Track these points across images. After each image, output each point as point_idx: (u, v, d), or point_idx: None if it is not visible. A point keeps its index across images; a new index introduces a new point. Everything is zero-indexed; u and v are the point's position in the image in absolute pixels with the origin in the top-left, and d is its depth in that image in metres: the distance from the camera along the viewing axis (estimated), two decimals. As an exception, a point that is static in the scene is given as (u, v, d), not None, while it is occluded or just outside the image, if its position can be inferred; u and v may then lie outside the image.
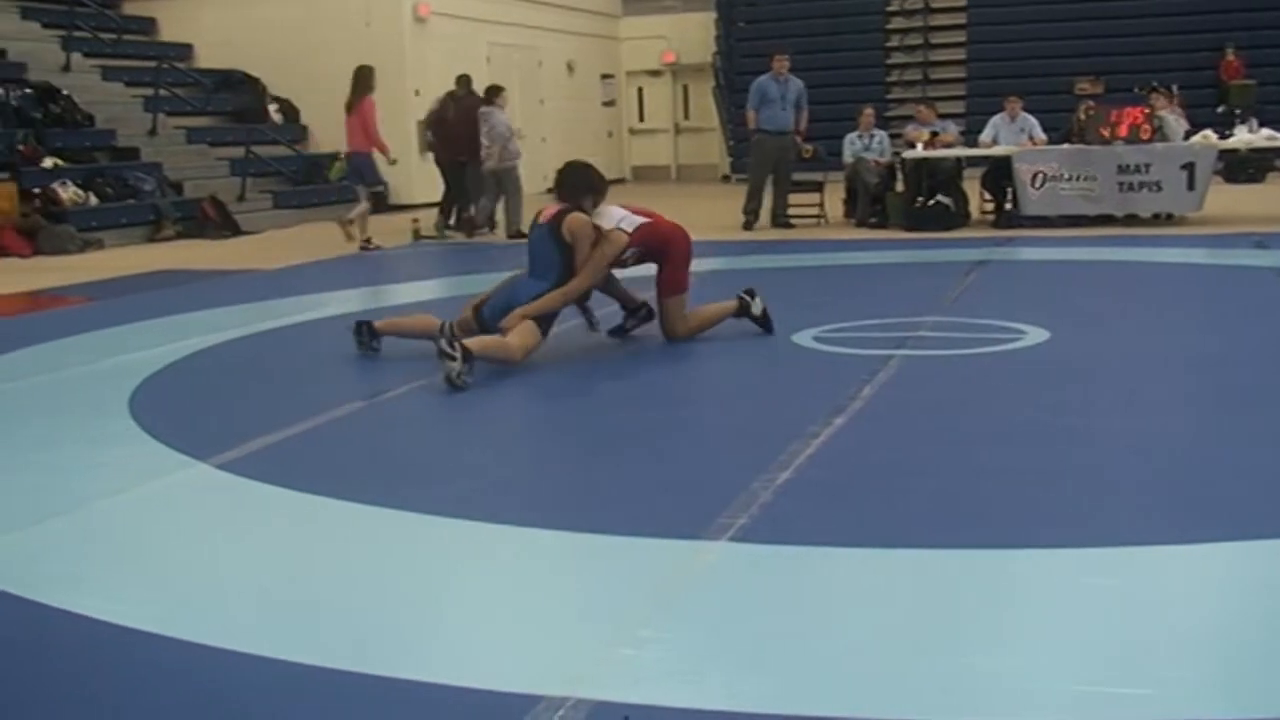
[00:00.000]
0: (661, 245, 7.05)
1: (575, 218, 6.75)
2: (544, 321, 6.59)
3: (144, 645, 3.23)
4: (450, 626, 3.34)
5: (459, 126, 14.38)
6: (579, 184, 6.97)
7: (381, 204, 14.20)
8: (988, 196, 13.95)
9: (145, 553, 4.04)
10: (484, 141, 13.94)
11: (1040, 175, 12.93)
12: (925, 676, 2.89)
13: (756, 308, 7.28)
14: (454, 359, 5.93)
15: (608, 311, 7.27)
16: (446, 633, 3.29)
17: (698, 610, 3.36)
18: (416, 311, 7.78)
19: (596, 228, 6.79)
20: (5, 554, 3.97)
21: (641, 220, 7.01)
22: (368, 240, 13.31)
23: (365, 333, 6.92)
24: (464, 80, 14.93)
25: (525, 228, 14.26)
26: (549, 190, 23.13)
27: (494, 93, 14.29)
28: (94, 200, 14.86)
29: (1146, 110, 13.18)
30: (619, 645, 3.08)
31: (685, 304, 7.14)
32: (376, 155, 13.35)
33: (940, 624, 3.20)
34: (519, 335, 6.42)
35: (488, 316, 6.70)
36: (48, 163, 14.88)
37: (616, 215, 6.96)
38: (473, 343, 6.15)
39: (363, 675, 2.99)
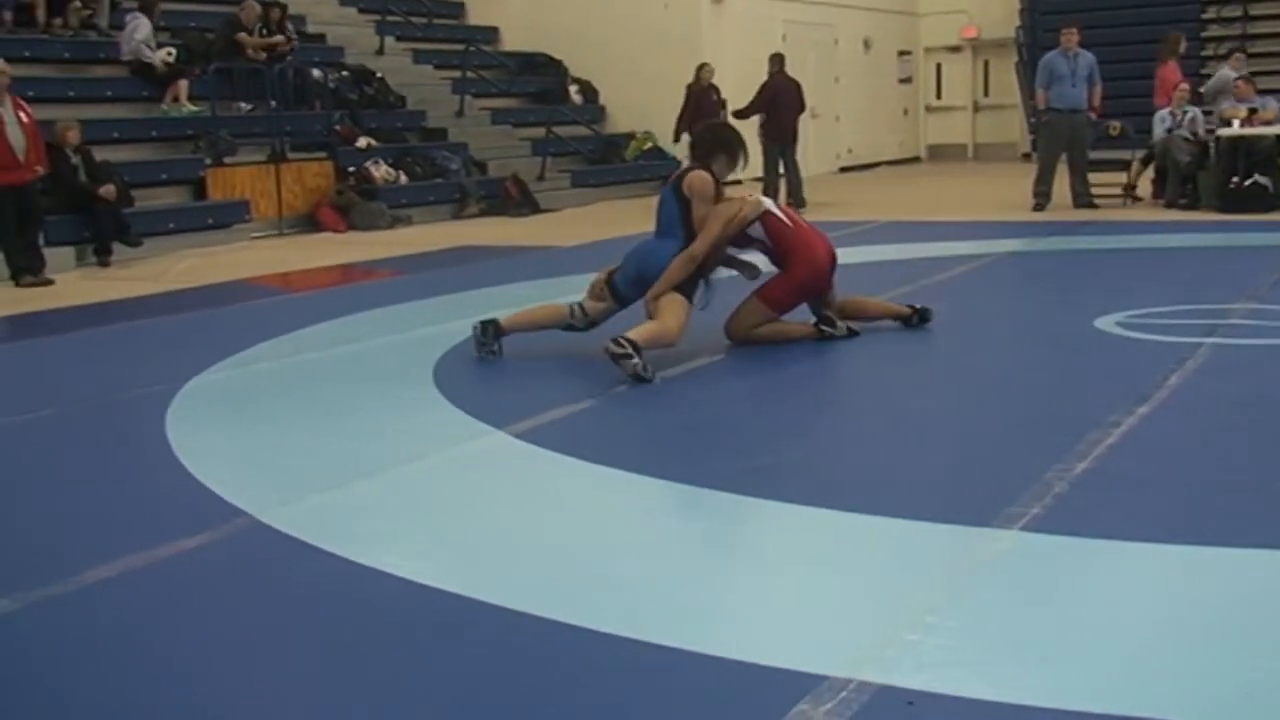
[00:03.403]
0: (782, 255, 6.63)
1: (697, 174, 6.42)
2: (686, 289, 6.31)
3: (440, 602, 3.38)
4: (734, 601, 3.37)
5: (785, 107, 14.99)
6: (712, 142, 6.61)
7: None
8: (1311, 177, 13.12)
9: (446, 514, 4.22)
10: None
11: (1371, 154, 12.09)
12: (1220, 681, 2.76)
13: (840, 330, 6.61)
14: (630, 356, 5.76)
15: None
16: (731, 607, 3.32)
17: (985, 599, 3.29)
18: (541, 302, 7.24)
19: (725, 195, 6.48)
20: (319, 512, 4.21)
21: (780, 215, 6.67)
22: (1131, 188, 13.90)
23: (491, 333, 6.60)
24: (777, 59, 15.15)
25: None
26: (841, 170, 23.04)
27: None
28: (404, 179, 15.53)
29: None
30: (904, 630, 3.05)
31: (765, 319, 6.57)
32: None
33: (1241, 627, 3.04)
34: (669, 315, 6.17)
35: (621, 284, 6.49)
36: (361, 143, 15.59)
37: (767, 202, 6.67)
38: (635, 334, 5.94)
39: (645, 644, 3.05)
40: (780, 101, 14.96)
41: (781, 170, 15.16)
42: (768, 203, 6.72)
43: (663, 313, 6.22)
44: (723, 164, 6.54)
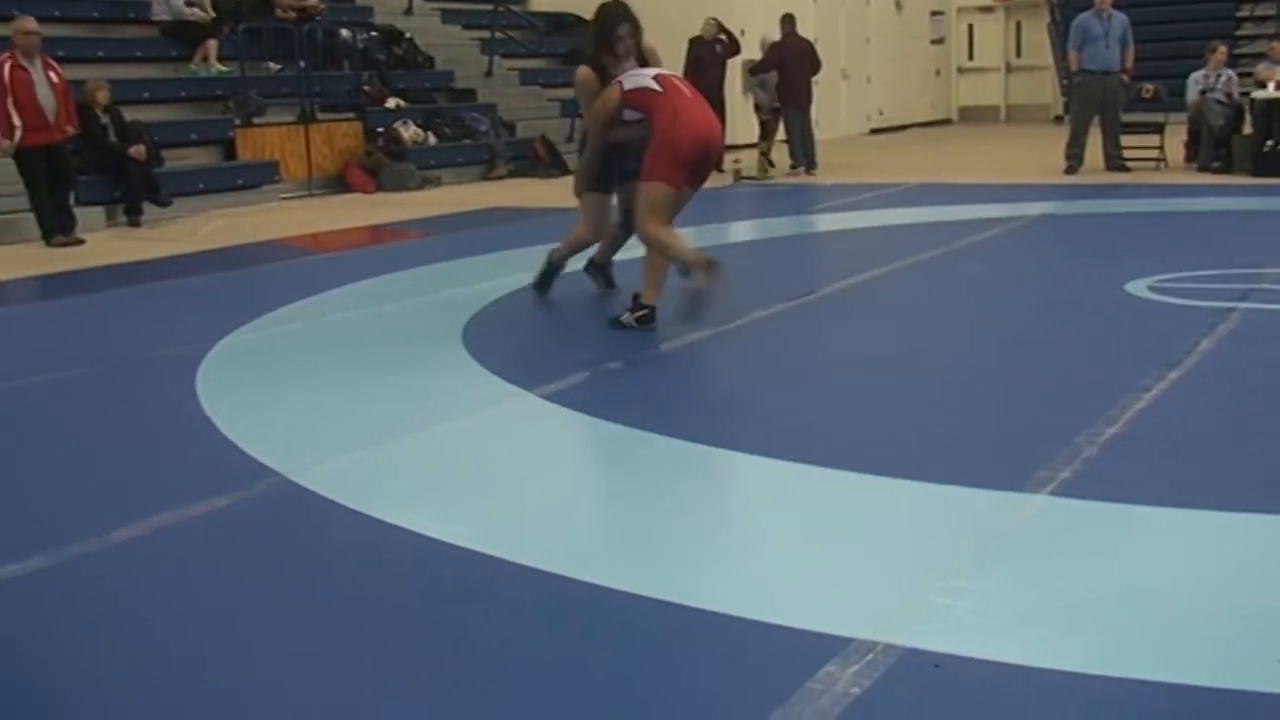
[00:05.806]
0: (650, 119, 6.07)
1: (579, 70, 6.46)
2: (597, 184, 6.69)
3: (469, 562, 3.40)
4: (762, 564, 3.37)
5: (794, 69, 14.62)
6: (590, 32, 6.46)
7: None
8: (1346, 141, 12.97)
9: (475, 475, 4.23)
10: None
11: None
12: (1249, 647, 2.74)
13: (695, 279, 5.93)
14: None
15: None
16: (759, 570, 3.32)
17: (1014, 563, 3.28)
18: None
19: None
20: (349, 472, 4.23)
21: (647, 85, 6.09)
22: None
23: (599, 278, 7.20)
24: (788, 20, 14.98)
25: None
26: (872, 131, 22.83)
27: None
28: (433, 140, 15.52)
29: None
30: (932, 594, 3.05)
31: (665, 198, 6.02)
32: None
33: (1272, 593, 3.02)
34: (580, 223, 6.90)
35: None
36: (391, 103, 15.60)
37: (642, 75, 6.13)
38: (557, 256, 7.02)
39: (672, 604, 3.06)
40: (789, 64, 14.77)
41: (782, 135, 15.07)
42: (627, 83, 6.12)
43: (579, 224, 6.90)
44: (606, 56, 6.25)
